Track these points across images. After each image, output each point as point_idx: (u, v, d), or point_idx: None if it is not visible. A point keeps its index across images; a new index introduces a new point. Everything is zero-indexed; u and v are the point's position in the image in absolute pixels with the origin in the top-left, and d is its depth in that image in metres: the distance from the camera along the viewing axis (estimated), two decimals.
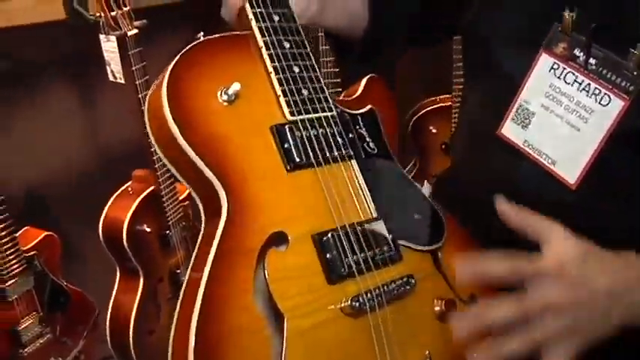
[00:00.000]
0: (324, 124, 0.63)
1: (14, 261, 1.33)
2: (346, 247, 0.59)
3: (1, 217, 1.29)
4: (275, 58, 0.62)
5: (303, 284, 0.56)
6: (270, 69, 0.62)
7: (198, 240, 0.58)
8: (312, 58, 0.65)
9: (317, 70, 0.65)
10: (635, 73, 0.63)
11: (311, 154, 0.61)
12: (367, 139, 0.67)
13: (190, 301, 0.52)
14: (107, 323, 1.52)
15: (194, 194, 0.60)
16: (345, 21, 0.79)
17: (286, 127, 0.61)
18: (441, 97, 1.88)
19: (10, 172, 1.59)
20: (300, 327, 0.54)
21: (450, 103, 1.84)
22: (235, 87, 0.59)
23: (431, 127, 1.89)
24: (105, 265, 1.51)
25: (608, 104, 0.65)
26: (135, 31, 1.35)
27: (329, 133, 0.63)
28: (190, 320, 0.51)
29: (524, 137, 0.70)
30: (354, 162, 0.64)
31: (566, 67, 0.67)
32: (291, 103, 0.62)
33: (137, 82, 1.38)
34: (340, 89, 1.62)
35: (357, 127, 0.67)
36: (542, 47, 0.68)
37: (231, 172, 0.57)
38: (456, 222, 0.71)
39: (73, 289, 1.48)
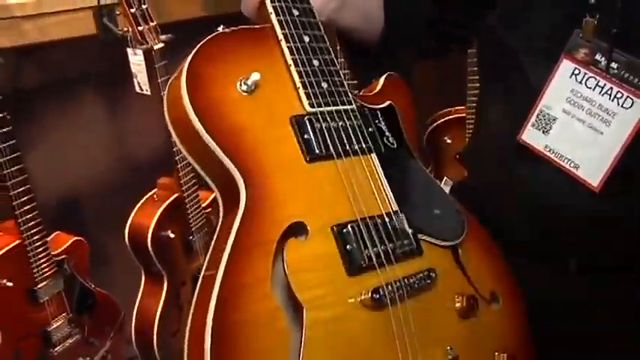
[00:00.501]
0: (344, 116, 0.62)
1: (45, 264, 1.34)
2: (366, 239, 0.57)
3: (34, 222, 1.29)
4: (295, 50, 0.62)
5: (322, 276, 0.55)
6: (290, 61, 0.61)
7: (214, 237, 0.56)
8: (332, 52, 0.64)
9: (336, 64, 0.64)
10: None
11: (330, 145, 0.60)
12: (387, 134, 0.66)
13: (206, 293, 0.51)
14: (132, 324, 1.54)
15: (212, 185, 0.59)
16: (361, 21, 0.79)
17: (306, 118, 0.60)
18: (456, 108, 1.88)
19: (42, 180, 1.60)
20: (319, 318, 0.53)
21: (464, 114, 1.83)
22: (255, 77, 0.58)
23: (445, 138, 1.88)
24: (131, 268, 1.53)
25: (631, 106, 0.64)
26: (161, 45, 1.37)
27: (349, 126, 0.62)
28: (207, 309, 0.50)
29: (545, 142, 0.70)
30: (373, 155, 0.62)
31: (587, 72, 0.67)
32: (311, 95, 0.61)
33: (163, 94, 1.39)
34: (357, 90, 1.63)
35: (377, 121, 0.66)
36: (563, 53, 0.68)
37: (250, 162, 0.56)
38: (477, 220, 0.70)
39: (100, 292, 1.50)
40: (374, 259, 0.57)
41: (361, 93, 0.71)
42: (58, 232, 1.43)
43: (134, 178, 1.68)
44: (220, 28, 0.62)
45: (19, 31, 1.39)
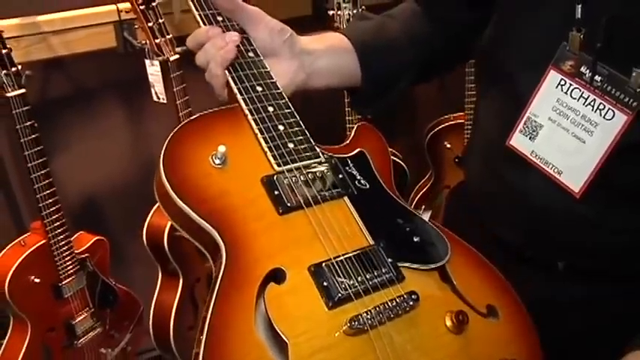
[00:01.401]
0: (312, 169, 0.65)
1: (69, 262, 1.36)
2: (341, 274, 0.58)
3: (59, 223, 1.32)
4: (259, 121, 0.66)
5: (303, 312, 0.56)
6: (256, 131, 0.65)
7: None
8: (296, 115, 0.68)
9: (301, 124, 0.67)
10: (638, 90, 0.62)
11: (300, 197, 0.62)
12: (358, 177, 0.68)
13: (200, 335, 0.54)
14: (150, 318, 1.55)
15: (203, 250, 0.61)
16: (335, 79, 0.77)
17: (274, 177, 0.63)
18: (455, 115, 1.88)
19: (67, 183, 1.62)
20: (304, 352, 0.53)
21: (462, 120, 1.83)
22: (221, 149, 0.62)
23: (445, 143, 1.88)
24: (149, 266, 1.54)
25: (612, 118, 0.64)
26: (176, 56, 1.39)
27: (317, 177, 0.65)
28: (199, 350, 0.53)
29: (531, 148, 0.70)
30: (345, 198, 0.65)
31: (572, 83, 0.66)
32: (277, 155, 0.64)
33: (178, 102, 1.40)
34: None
35: (347, 167, 0.69)
36: (550, 64, 0.67)
37: (226, 223, 0.59)
38: (462, 236, 0.69)
39: (120, 288, 1.52)
40: (350, 290, 0.57)
41: (334, 146, 0.73)
42: (81, 232, 1.45)
43: (151, 181, 1.69)
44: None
45: (47, 45, 1.41)
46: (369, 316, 0.56)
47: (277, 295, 0.56)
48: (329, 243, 0.60)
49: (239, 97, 0.67)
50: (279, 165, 0.64)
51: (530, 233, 0.74)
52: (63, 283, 1.35)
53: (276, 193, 0.62)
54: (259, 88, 0.68)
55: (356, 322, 0.55)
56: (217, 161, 0.62)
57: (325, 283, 0.57)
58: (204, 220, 0.59)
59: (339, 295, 0.57)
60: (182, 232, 0.62)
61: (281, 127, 0.66)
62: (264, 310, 0.55)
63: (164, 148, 0.63)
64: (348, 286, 0.57)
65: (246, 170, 0.64)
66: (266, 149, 0.64)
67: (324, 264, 0.58)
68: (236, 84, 0.67)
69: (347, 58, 0.77)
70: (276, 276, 0.57)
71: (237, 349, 0.53)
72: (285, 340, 0.53)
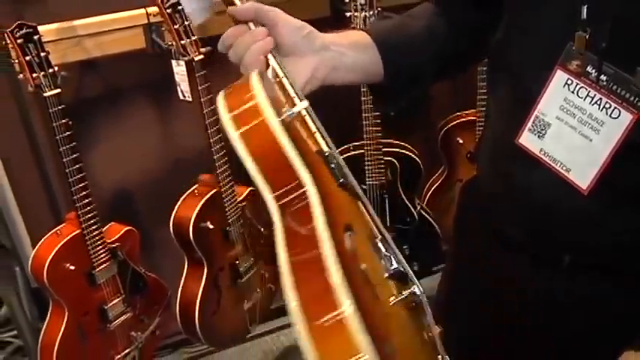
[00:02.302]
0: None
1: (101, 251, 1.40)
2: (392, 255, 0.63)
3: (91, 214, 1.35)
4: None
5: (364, 258, 0.59)
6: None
7: (281, 234, 0.57)
8: None
9: None
10: None
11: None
12: None
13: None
14: (177, 304, 1.57)
15: (268, 189, 0.58)
16: (358, 76, 0.75)
17: (326, 153, 0.62)
18: (467, 111, 1.86)
19: (98, 177, 1.65)
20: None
21: (474, 117, 1.82)
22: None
23: (458, 139, 1.87)
24: (175, 255, 1.56)
25: (618, 117, 0.63)
26: (201, 56, 1.40)
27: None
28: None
29: (540, 146, 0.70)
30: None
31: (579, 82, 0.66)
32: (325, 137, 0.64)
33: (202, 100, 1.42)
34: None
35: None
36: (557, 64, 0.67)
37: (317, 172, 0.58)
38: (469, 231, 0.73)
39: (149, 275, 1.55)
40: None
41: None
42: (112, 222, 1.48)
43: (178, 175, 1.70)
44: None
45: (82, 47, 1.44)
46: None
47: (352, 241, 0.58)
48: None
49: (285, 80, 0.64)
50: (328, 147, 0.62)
51: (533, 231, 0.74)
52: (96, 270, 1.39)
53: (332, 166, 0.61)
54: None
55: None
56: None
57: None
58: (299, 166, 0.57)
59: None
60: (256, 173, 0.57)
61: None
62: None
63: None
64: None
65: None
66: (314, 130, 0.62)
67: (377, 239, 0.62)
68: (282, 68, 0.64)
69: (369, 53, 0.75)
70: (348, 229, 0.59)
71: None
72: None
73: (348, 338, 0.49)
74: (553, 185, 0.69)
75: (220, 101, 0.59)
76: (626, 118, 0.63)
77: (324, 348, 0.50)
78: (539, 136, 0.70)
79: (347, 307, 0.50)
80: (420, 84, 0.81)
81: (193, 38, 1.39)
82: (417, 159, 1.78)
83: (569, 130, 0.67)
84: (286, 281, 0.53)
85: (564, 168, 0.68)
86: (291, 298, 0.52)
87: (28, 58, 1.20)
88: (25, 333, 1.59)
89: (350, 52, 0.73)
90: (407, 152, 1.76)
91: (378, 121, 1.61)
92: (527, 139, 0.71)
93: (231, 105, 0.58)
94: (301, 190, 0.57)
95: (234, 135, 0.57)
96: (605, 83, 0.64)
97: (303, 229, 0.56)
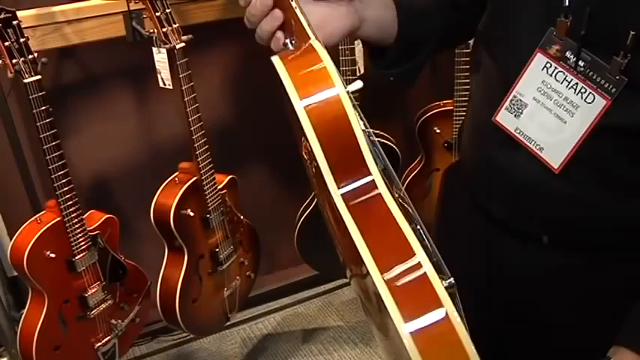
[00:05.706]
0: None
1: (82, 239, 1.38)
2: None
3: (72, 202, 1.33)
4: None
5: None
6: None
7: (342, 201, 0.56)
8: None
9: None
10: (617, 77, 0.63)
11: None
12: None
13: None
14: (157, 292, 1.56)
15: (328, 165, 0.56)
16: (377, 33, 0.77)
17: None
18: (444, 102, 1.89)
19: (78, 165, 1.63)
20: None
21: (451, 107, 1.85)
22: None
23: (435, 128, 1.90)
24: (156, 243, 1.56)
25: (592, 102, 0.65)
26: (182, 44, 1.38)
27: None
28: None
29: (516, 125, 0.71)
30: None
31: (557, 66, 0.67)
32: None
33: (183, 88, 1.40)
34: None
35: None
36: (537, 48, 0.68)
37: None
38: (454, 209, 0.71)
39: (129, 263, 1.53)
40: None
41: None
42: (92, 210, 1.46)
43: (158, 163, 1.69)
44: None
45: (61, 34, 1.42)
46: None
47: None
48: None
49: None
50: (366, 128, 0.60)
51: (513, 207, 0.76)
52: (76, 258, 1.37)
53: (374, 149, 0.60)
54: None
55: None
56: None
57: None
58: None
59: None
60: (320, 154, 0.55)
61: None
62: None
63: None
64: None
65: None
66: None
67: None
68: (305, 16, 0.63)
69: (390, 13, 0.77)
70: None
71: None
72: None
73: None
74: (530, 165, 0.70)
75: (280, 65, 0.57)
76: (600, 103, 0.65)
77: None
78: (515, 115, 0.71)
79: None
80: (424, 52, 0.82)
81: (175, 26, 1.37)
82: (396, 147, 1.81)
83: (544, 111, 0.69)
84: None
85: (538, 147, 0.70)
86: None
87: (7, 43, 1.18)
88: (1, 322, 1.56)
89: (378, 8, 0.75)
90: (385, 141, 1.78)
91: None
92: (503, 118, 0.72)
93: (294, 72, 0.56)
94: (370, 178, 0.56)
95: (299, 105, 0.55)
96: (582, 69, 0.66)
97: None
